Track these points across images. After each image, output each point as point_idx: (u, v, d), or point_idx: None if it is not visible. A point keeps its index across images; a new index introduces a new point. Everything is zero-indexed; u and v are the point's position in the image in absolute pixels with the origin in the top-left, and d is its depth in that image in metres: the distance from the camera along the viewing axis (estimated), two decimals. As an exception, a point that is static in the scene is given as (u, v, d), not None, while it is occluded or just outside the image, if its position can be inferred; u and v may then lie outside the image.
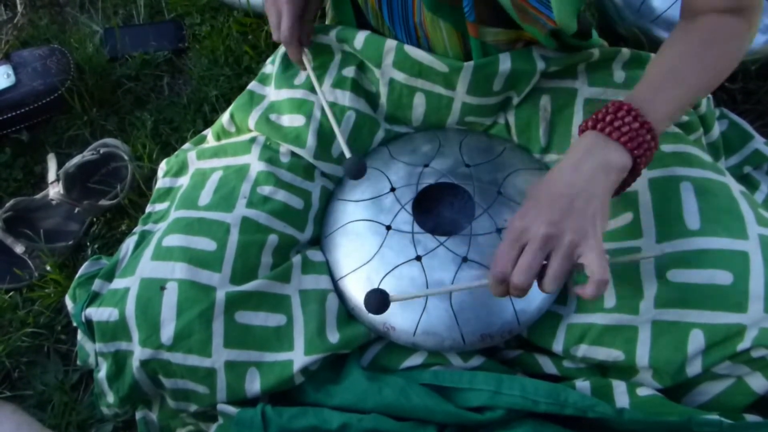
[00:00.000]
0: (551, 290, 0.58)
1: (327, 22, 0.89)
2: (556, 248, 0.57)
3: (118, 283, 0.72)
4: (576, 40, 0.78)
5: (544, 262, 0.58)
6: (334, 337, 0.71)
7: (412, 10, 0.74)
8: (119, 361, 0.71)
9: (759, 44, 1.01)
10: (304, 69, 0.80)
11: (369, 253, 0.73)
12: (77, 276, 0.79)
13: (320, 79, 0.82)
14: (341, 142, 0.72)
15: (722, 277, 0.63)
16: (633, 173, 0.62)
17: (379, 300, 0.61)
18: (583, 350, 0.69)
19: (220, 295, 0.69)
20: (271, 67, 0.88)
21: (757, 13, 0.67)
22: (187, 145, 0.91)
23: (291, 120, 0.80)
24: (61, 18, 1.29)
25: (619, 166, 0.60)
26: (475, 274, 0.70)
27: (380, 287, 0.64)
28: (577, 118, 0.77)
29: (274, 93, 0.83)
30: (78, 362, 0.81)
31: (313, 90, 0.82)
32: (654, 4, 1.04)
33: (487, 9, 0.70)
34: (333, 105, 0.80)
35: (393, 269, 0.72)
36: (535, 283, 0.59)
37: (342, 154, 0.81)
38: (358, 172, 0.69)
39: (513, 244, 0.59)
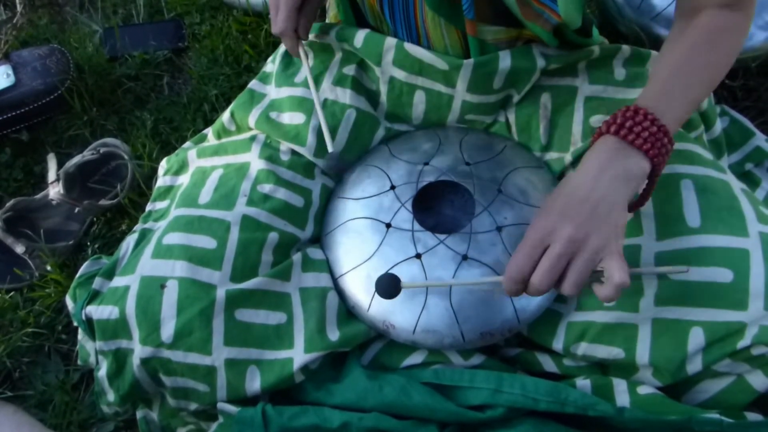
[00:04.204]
0: (572, 293, 0.58)
1: (327, 21, 0.89)
2: (581, 251, 0.57)
3: (118, 282, 0.72)
4: (578, 37, 0.77)
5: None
6: (334, 335, 0.71)
7: (414, 8, 0.74)
8: (120, 359, 0.71)
9: (759, 41, 1.01)
10: (301, 60, 0.79)
11: (369, 251, 0.73)
12: (77, 276, 0.79)
13: (320, 77, 0.82)
14: (326, 136, 0.74)
15: (723, 274, 0.63)
16: (651, 177, 0.62)
17: (390, 285, 0.62)
18: (583, 348, 0.69)
19: (221, 293, 0.69)
20: (271, 65, 0.88)
21: (753, 3, 0.67)
22: (187, 144, 0.91)
23: (291, 118, 0.80)
24: (60, 18, 1.30)
25: (639, 174, 0.60)
26: (476, 272, 0.70)
27: (393, 273, 0.63)
28: (578, 116, 0.77)
29: (274, 91, 0.83)
30: (79, 362, 0.81)
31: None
32: (654, 1, 1.04)
33: (487, 7, 0.70)
34: (334, 103, 0.80)
35: (393, 267, 0.71)
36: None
37: (342, 151, 0.81)
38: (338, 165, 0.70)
39: (535, 245, 0.58)
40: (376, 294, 0.63)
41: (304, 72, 0.78)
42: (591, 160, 0.61)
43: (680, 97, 0.63)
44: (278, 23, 0.76)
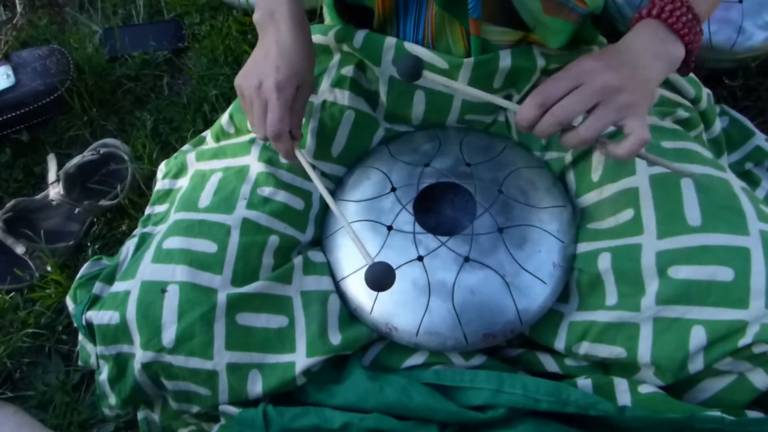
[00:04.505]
0: (587, 136, 0.59)
1: (325, 23, 0.89)
2: (611, 100, 0.59)
3: (118, 286, 0.72)
4: (593, 30, 0.77)
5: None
6: (335, 338, 0.71)
7: (426, 4, 0.74)
8: (121, 363, 0.71)
9: (759, 41, 1.01)
10: (299, 165, 0.70)
11: (370, 253, 0.73)
12: (78, 276, 0.79)
13: (319, 79, 0.82)
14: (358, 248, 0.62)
15: (723, 273, 0.63)
16: (683, 66, 0.64)
17: (411, 65, 0.63)
18: (584, 348, 0.69)
19: (222, 297, 0.68)
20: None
21: None
22: (186, 147, 0.91)
23: (290, 120, 0.80)
24: (60, 18, 1.29)
25: (676, 58, 0.63)
26: (478, 274, 0.70)
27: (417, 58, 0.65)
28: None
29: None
30: (79, 362, 0.81)
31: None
32: (654, 0, 1.04)
33: (495, 6, 0.70)
34: (332, 105, 0.80)
35: (395, 270, 0.71)
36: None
37: (342, 152, 0.81)
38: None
39: (570, 77, 0.60)
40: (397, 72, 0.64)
41: (309, 173, 0.68)
42: (634, 38, 0.63)
43: None
44: (271, 125, 0.66)
